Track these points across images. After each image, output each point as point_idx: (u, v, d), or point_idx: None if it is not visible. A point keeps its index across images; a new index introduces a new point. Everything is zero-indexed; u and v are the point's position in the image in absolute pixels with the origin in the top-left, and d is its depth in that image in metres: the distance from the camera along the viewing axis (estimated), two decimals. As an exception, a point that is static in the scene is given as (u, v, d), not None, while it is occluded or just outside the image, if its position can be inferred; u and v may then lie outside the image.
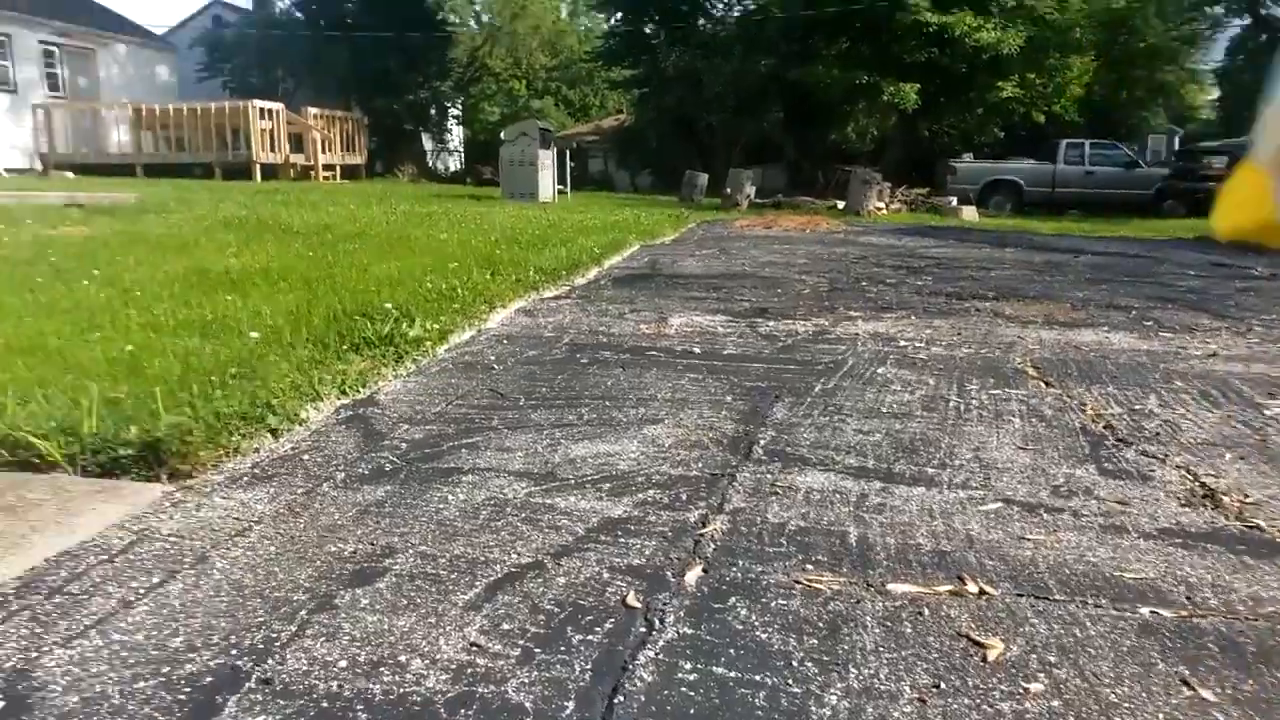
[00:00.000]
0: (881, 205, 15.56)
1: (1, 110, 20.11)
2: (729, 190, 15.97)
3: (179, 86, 25.79)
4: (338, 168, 20.64)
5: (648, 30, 26.07)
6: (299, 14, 29.00)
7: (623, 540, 1.79)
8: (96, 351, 2.88)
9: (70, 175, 17.53)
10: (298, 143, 19.69)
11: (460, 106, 33.80)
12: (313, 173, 19.47)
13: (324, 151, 20.01)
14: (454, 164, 33.23)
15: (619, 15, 27.88)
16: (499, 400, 2.83)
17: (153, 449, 2.18)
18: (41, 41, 21.34)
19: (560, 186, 15.20)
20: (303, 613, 1.47)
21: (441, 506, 1.96)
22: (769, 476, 2.18)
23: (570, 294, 5.02)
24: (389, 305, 3.72)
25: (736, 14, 24.85)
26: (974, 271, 6.73)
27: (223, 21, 30.67)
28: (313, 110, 19.94)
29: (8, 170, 19.41)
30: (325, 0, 27.78)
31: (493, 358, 3.39)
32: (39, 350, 2.88)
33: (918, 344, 3.84)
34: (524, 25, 32.78)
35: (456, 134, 35.21)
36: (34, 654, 1.33)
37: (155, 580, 1.58)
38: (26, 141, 20.24)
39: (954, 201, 16.00)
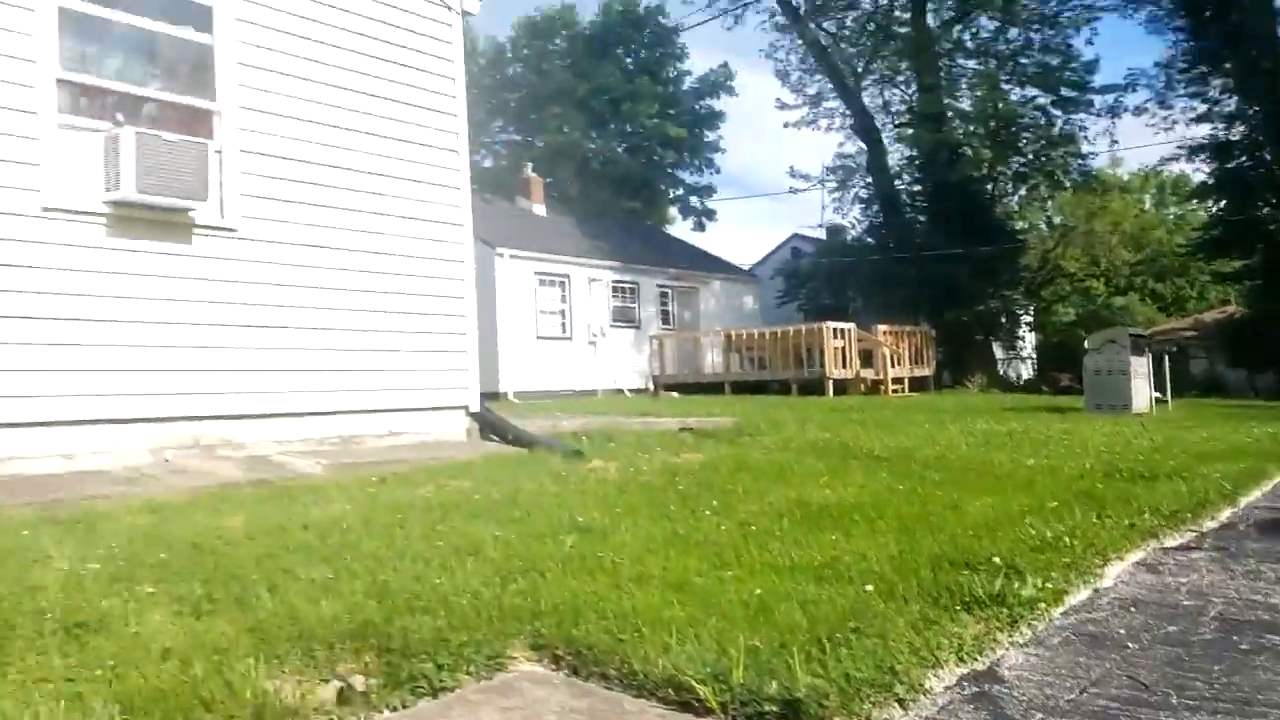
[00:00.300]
0: None
1: (628, 343, 24.54)
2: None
3: (761, 312, 29.21)
4: (906, 380, 21.20)
5: (1262, 214, 23.32)
6: (869, 239, 31.25)
7: None
8: (731, 592, 3.15)
9: (675, 395, 20.51)
10: (867, 358, 20.78)
11: (1031, 311, 32.94)
12: (882, 386, 20.23)
13: (893, 365, 20.78)
14: (1025, 371, 32.15)
15: (1223, 203, 25.43)
16: (1143, 693, 2.46)
17: (793, 709, 2.27)
18: (659, 285, 25.89)
19: (1158, 394, 13.65)
20: None
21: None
22: None
23: (1200, 543, 4.33)
24: (994, 557, 3.55)
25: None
26: None
27: (800, 252, 34.38)
28: (881, 327, 21.01)
29: (630, 390, 23.45)
30: (894, 224, 29.65)
31: (1121, 631, 3.00)
32: (685, 586, 3.25)
33: None
34: (1102, 223, 31.32)
35: (1028, 339, 34.23)
36: None
37: None
38: (644, 366, 24.30)
39: None
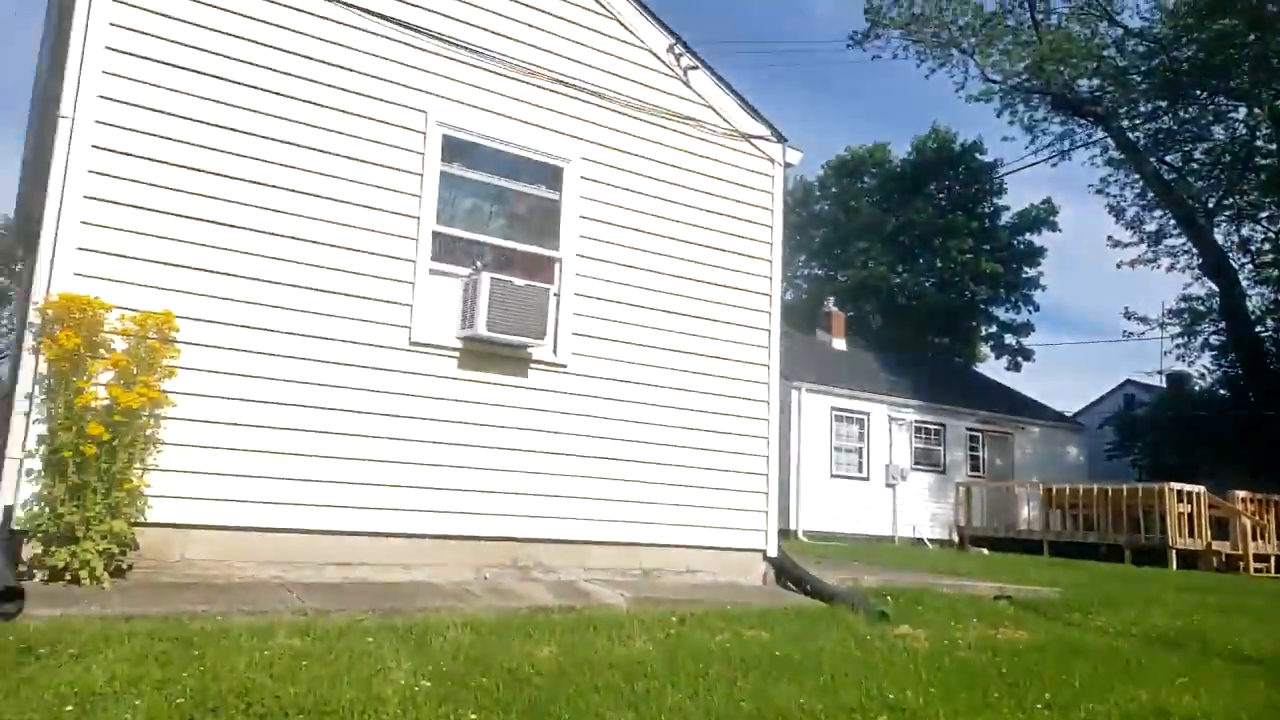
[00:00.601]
0: None
1: (930, 488, 23.27)
2: None
3: (1087, 465, 26.52)
4: (1273, 559, 18.05)
5: None
6: (1223, 391, 27.69)
7: None
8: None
9: (985, 551, 18.94)
10: (1221, 528, 18.03)
11: None
12: (1241, 563, 17.35)
13: (1256, 539, 17.82)
14: None
15: None
16: None
17: None
18: (968, 428, 24.47)
19: None
20: None
21: None
22: None
23: None
24: None
25: None
26: None
27: (1135, 401, 31.10)
28: (1240, 493, 18.14)
29: (931, 541, 22.07)
30: (1255, 375, 26.07)
31: None
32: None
33: None
34: None
35: None
36: None
37: None
38: (947, 515, 22.86)
39: None
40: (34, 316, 5.50)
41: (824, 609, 6.86)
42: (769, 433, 8.26)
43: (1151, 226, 30.09)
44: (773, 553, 8.11)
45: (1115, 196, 30.28)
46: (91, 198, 5.70)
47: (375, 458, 6.46)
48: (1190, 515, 17.54)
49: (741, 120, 8.44)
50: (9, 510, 5.32)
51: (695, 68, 8.20)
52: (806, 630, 5.82)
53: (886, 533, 22.04)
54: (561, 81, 7.51)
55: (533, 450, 7.08)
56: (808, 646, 5.23)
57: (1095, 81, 28.16)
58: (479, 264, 7.00)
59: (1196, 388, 30.67)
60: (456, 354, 6.87)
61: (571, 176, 7.50)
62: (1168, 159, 29.06)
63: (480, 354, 6.93)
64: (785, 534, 15.43)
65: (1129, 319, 32.36)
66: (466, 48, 7.09)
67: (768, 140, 8.56)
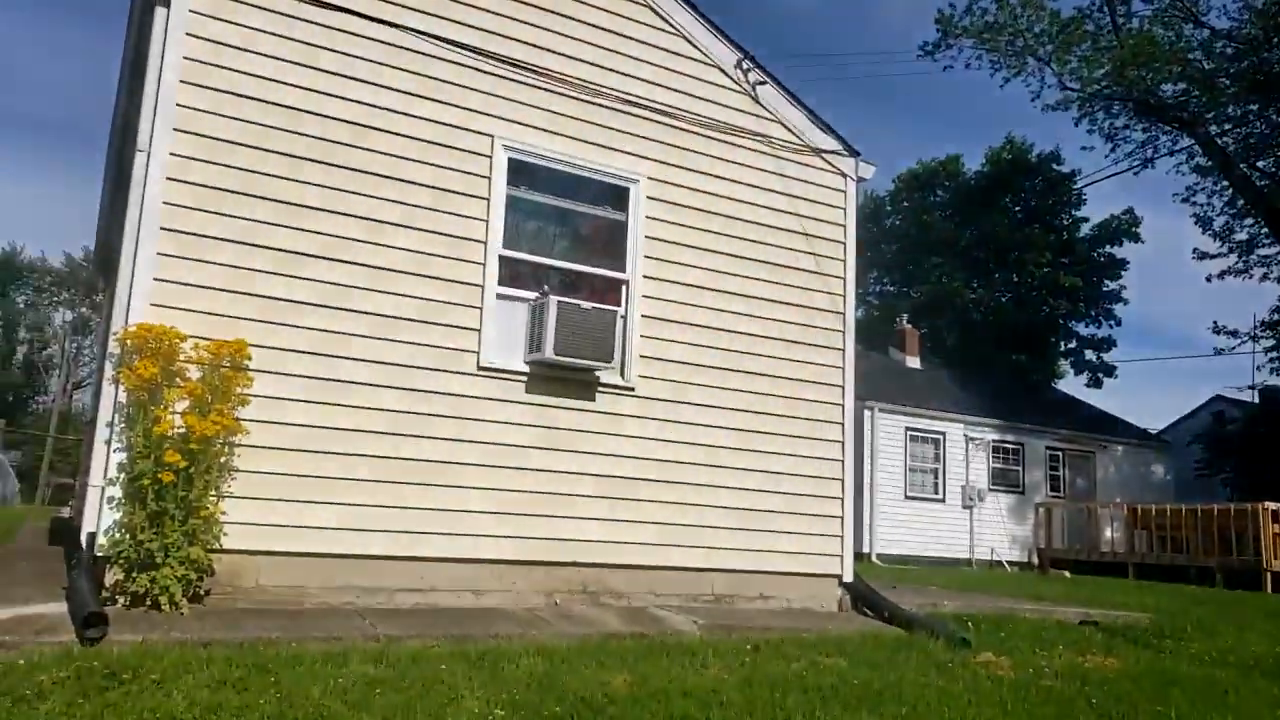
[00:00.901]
0: None
1: (1009, 509, 22.61)
2: None
3: (1174, 484, 25.49)
4: (1372, 580, 17.10)
5: None
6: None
7: None
8: None
9: (1066, 574, 18.29)
10: (1318, 550, 17.15)
11: None
12: (1338, 585, 16.53)
13: (1353, 561, 16.94)
14: None
15: None
16: None
17: None
18: (1048, 448, 23.75)
19: None
20: None
21: None
22: None
23: None
24: None
25: None
26: None
27: (1225, 417, 29.84)
28: (1338, 512, 17.30)
29: (1010, 564, 21.40)
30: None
31: None
32: None
33: None
34: None
35: None
36: None
37: None
38: (1026, 537, 22.18)
39: None
40: (113, 347, 5.66)
41: (902, 636, 6.64)
42: (843, 455, 8.08)
43: (1242, 235, 28.90)
44: (848, 577, 7.90)
45: (1202, 205, 29.14)
46: (167, 229, 5.85)
47: (444, 483, 6.48)
48: (1288, 537, 16.73)
49: (812, 134, 8.31)
50: (92, 537, 5.48)
51: (764, 82, 8.10)
52: (886, 658, 5.64)
53: (963, 555, 21.44)
54: (627, 100, 7.49)
55: (601, 474, 7.03)
56: (888, 675, 5.05)
57: (1180, 86, 27.17)
58: (546, 287, 7.00)
59: (1289, 399, 29.33)
60: (524, 378, 6.86)
61: (638, 196, 7.46)
62: (1259, 165, 27.89)
63: (548, 378, 6.91)
64: (859, 557, 15.10)
65: (1218, 333, 31.03)
66: (532, 69, 7.13)
67: (839, 154, 8.41)
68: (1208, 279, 34.54)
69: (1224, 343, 32.09)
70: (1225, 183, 27.84)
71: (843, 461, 8.06)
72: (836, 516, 7.95)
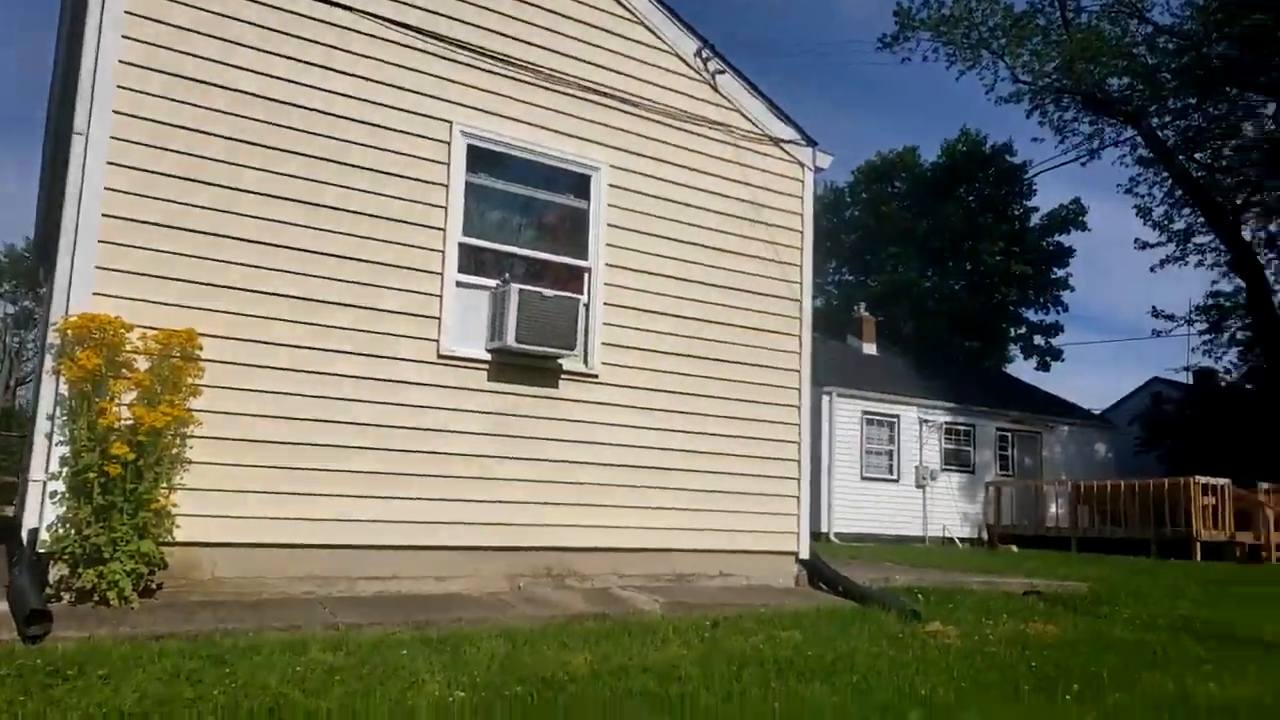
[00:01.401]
0: None
1: (960, 488, 23.19)
2: None
3: (1116, 462, 26.31)
4: (1294, 547, 17.85)
5: None
6: (1249, 385, 27.45)
7: None
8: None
9: (1014, 549, 18.84)
10: (1244, 520, 17.89)
11: None
12: (1263, 553, 17.28)
13: (1277, 529, 17.68)
14: None
15: None
16: None
17: None
18: (997, 428, 24.35)
19: None
20: None
21: None
22: None
23: None
24: None
25: None
26: None
27: (1163, 398, 30.78)
28: (1264, 484, 18.04)
29: (961, 540, 21.93)
30: (1280, 368, 25.83)
31: None
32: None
33: None
34: None
35: None
36: None
37: None
38: (977, 514, 22.77)
39: None
40: (53, 338, 5.45)
41: (856, 609, 6.86)
42: (800, 437, 8.26)
43: (1180, 224, 29.82)
44: (805, 555, 8.11)
45: (1144, 196, 30.03)
46: (109, 215, 5.63)
47: (405, 471, 6.50)
48: (1215, 507, 17.46)
49: (771, 124, 8.44)
50: (34, 533, 5.29)
51: (723, 72, 8.20)
52: (839, 630, 5.83)
53: (917, 533, 21.93)
54: (588, 88, 7.54)
55: (565, 460, 7.13)
56: (841, 647, 5.25)
57: (1125, 80, 27.88)
58: (507, 275, 7.06)
59: (1223, 383, 30.31)
60: (486, 366, 6.92)
61: (600, 184, 7.53)
62: (1197, 156, 28.71)
63: (510, 365, 6.98)
64: (816, 536, 15.37)
65: (1157, 316, 32.05)
66: (491, 55, 7.12)
67: (798, 144, 8.55)
68: (1151, 269, 35.42)
69: (1162, 326, 33.12)
70: (1166, 174, 28.66)
71: (799, 443, 8.25)
72: (793, 496, 8.15)
